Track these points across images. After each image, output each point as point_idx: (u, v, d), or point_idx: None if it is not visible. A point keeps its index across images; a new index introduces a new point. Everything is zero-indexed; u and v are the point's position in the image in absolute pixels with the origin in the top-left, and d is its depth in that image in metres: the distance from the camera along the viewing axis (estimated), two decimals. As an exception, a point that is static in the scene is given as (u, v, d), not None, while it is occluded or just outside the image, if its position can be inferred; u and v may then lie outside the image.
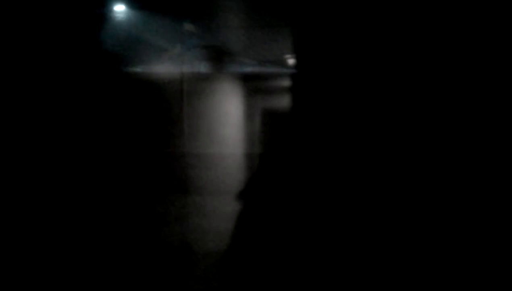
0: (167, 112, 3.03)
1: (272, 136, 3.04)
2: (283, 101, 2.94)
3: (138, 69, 2.90)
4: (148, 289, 2.47)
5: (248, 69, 3.30)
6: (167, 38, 2.89)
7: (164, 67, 3.00)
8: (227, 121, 3.35)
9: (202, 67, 3.20)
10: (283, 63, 3.06)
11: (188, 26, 2.82)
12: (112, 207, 2.54)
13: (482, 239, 1.78)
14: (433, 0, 1.86)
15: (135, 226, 2.66)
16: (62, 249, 2.24)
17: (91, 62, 2.56)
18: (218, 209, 3.03)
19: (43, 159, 2.23)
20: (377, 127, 1.99)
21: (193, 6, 2.74)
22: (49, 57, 2.32)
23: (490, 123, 1.78)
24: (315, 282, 2.06)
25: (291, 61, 2.93)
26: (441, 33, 1.87)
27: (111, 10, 2.65)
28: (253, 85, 3.30)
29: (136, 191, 2.73)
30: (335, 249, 2.02)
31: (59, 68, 2.36)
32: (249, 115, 3.30)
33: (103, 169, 2.51)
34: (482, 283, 1.76)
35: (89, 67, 2.53)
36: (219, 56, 3.01)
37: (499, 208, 1.75)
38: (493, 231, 1.76)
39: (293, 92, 2.39)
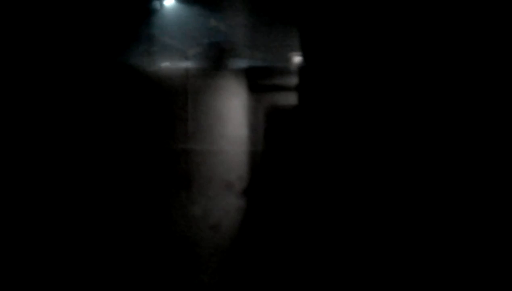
0: (172, 109, 3.04)
1: (276, 133, 3.04)
2: (288, 98, 2.94)
3: (145, 65, 2.92)
4: (151, 277, 2.50)
5: (253, 65, 3.30)
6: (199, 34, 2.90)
7: (169, 63, 3.02)
8: (232, 118, 3.36)
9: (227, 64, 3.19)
10: (288, 61, 3.06)
11: (213, 22, 2.82)
12: (115, 202, 2.57)
13: (482, 239, 1.77)
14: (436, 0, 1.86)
15: (140, 219, 2.68)
16: (72, 240, 2.28)
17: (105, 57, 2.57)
18: (221, 204, 3.05)
19: (54, 154, 2.25)
20: (381, 126, 1.99)
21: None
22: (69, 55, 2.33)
23: (490, 123, 1.78)
24: (316, 279, 2.07)
25: (296, 58, 2.93)
26: (445, 32, 1.86)
27: (161, 4, 2.66)
28: (257, 82, 3.30)
29: (141, 186, 2.75)
30: (337, 246, 2.03)
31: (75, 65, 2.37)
32: (253, 112, 3.30)
33: (107, 164, 2.54)
34: (482, 283, 1.76)
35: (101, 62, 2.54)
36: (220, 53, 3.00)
37: (499, 208, 1.75)
38: (493, 231, 1.76)
39: (298, 89, 2.40)
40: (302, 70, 2.24)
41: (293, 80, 2.69)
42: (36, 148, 2.19)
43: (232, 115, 3.28)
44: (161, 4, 2.67)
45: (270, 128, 3.08)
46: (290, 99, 2.76)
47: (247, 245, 2.75)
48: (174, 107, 3.05)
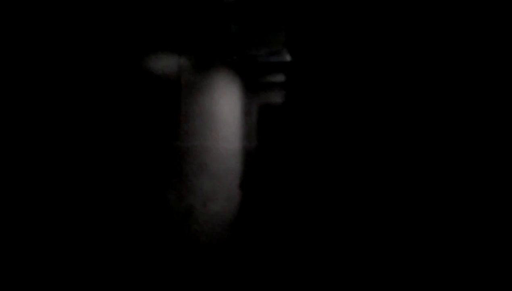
0: (165, 105, 3.03)
1: (269, 129, 3.05)
2: (281, 96, 2.96)
3: (138, 62, 2.90)
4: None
5: (246, 63, 3.31)
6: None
7: (161, 60, 3.00)
8: (225, 114, 3.36)
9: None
10: (281, 58, 3.08)
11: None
12: (109, 200, 2.57)
13: (482, 239, 1.78)
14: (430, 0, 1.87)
15: (134, 214, 2.69)
16: (69, 236, 2.29)
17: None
18: (217, 202, 3.07)
19: (58, 150, 2.24)
20: (373, 125, 2.01)
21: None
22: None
23: (490, 123, 1.78)
24: (310, 275, 2.10)
25: (287, 57, 2.95)
26: (438, 32, 1.88)
27: None
28: (250, 79, 3.31)
29: (134, 182, 2.74)
30: (332, 246, 2.06)
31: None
32: (246, 108, 3.31)
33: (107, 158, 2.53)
34: (482, 283, 1.77)
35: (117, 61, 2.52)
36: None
37: (499, 208, 1.76)
38: (493, 231, 1.76)
39: (290, 86, 2.40)
40: (293, 67, 2.24)
41: (286, 78, 2.71)
42: (31, 147, 2.17)
43: (225, 111, 3.29)
44: None
45: (263, 124, 3.09)
46: (283, 96, 2.79)
47: (242, 239, 2.78)
48: (168, 104, 3.04)
